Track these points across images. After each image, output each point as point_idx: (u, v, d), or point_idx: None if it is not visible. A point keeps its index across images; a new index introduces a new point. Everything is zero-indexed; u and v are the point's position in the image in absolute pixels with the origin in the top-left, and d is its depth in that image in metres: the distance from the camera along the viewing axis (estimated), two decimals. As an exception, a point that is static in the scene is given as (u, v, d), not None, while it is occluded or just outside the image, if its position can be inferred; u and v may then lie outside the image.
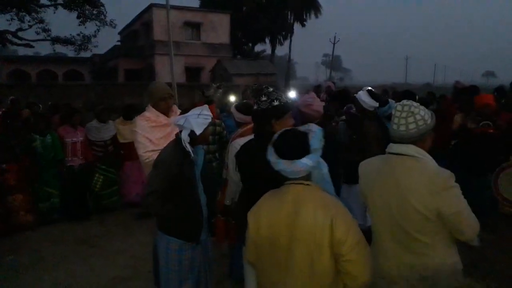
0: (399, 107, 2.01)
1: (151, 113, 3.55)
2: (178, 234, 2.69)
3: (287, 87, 23.06)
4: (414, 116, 1.96)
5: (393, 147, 2.06)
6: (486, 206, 4.45)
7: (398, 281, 2.02)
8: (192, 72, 28.62)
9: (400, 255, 2.00)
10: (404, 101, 2.02)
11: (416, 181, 1.91)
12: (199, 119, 2.66)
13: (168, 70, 16.96)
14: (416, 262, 1.97)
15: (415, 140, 1.98)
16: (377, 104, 4.16)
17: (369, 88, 4.31)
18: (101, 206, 6.21)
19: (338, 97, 5.83)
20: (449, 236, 1.97)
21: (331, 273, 1.74)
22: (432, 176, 1.90)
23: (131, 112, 6.22)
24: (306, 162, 1.75)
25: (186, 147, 2.62)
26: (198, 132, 2.65)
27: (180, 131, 2.69)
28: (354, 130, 4.30)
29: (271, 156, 1.82)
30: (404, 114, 1.97)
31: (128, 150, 5.81)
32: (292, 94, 9.52)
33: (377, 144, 3.78)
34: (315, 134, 1.81)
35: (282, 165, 1.78)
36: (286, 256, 1.77)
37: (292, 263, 1.76)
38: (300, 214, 1.74)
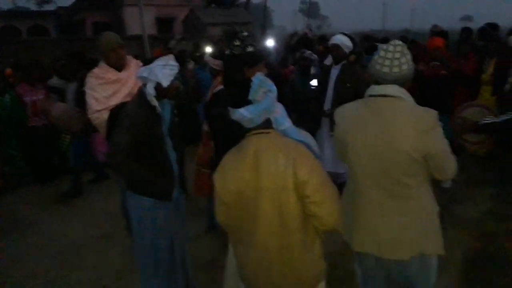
0: (391, 48, 1.91)
1: (100, 69, 3.30)
2: (150, 193, 2.60)
3: (264, 36, 22.50)
4: (405, 57, 1.90)
5: (377, 89, 1.96)
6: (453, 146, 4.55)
7: (381, 230, 2.00)
8: (164, 23, 27.44)
9: (384, 201, 1.97)
10: (396, 41, 1.95)
11: (404, 121, 1.85)
12: (165, 69, 2.45)
13: (139, 22, 16.22)
14: (401, 207, 1.96)
15: (404, 81, 1.93)
16: (351, 46, 4.06)
17: (341, 32, 4.18)
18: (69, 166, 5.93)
19: (302, 43, 5.93)
20: (428, 178, 1.98)
21: (300, 217, 1.74)
22: (421, 115, 1.87)
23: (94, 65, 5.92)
24: (242, 112, 1.73)
25: (152, 101, 2.46)
26: (165, 84, 2.45)
27: (144, 85, 2.50)
28: (346, 77, 4.07)
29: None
30: (397, 55, 1.89)
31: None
32: (270, 42, 9.26)
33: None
34: (253, 84, 1.75)
35: (231, 113, 1.79)
36: (255, 208, 1.76)
37: (260, 212, 1.75)
38: (262, 162, 1.72)
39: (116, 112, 3.08)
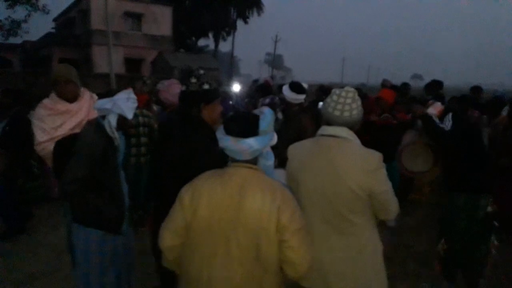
0: (343, 93, 2.07)
1: (49, 100, 3.23)
2: (99, 225, 2.55)
3: (230, 82, 23.07)
4: (356, 103, 2.06)
5: (327, 129, 2.09)
6: (397, 190, 4.82)
7: (327, 265, 2.04)
8: (133, 64, 27.66)
9: (330, 236, 2.03)
10: (348, 88, 2.11)
11: (350, 161, 1.98)
12: (128, 102, 2.53)
13: (107, 61, 16.30)
14: (345, 243, 2.03)
15: (353, 124, 2.07)
16: (301, 97, 4.30)
17: (293, 81, 4.47)
18: (24, 200, 5.64)
19: (262, 90, 6.49)
20: (373, 217, 2.08)
21: (276, 260, 1.71)
22: (366, 156, 1.99)
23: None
24: (251, 142, 1.71)
25: (114, 133, 2.51)
26: (130, 116, 2.54)
27: (102, 116, 2.54)
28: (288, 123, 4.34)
29: (219, 132, 1.78)
30: (348, 100, 2.04)
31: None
32: (236, 87, 9.55)
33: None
34: (265, 116, 1.80)
35: (228, 142, 1.73)
36: (226, 242, 1.69)
37: (233, 248, 1.69)
38: (247, 198, 1.69)
39: (65, 143, 3.04)
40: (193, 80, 2.46)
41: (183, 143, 2.42)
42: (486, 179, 3.10)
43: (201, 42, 39.57)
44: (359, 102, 2.09)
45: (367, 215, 2.05)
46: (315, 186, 2.05)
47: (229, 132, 1.75)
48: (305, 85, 8.20)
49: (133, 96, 2.60)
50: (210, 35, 37.37)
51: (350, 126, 2.07)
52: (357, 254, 2.04)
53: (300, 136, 4.01)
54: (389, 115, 5.18)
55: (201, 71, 2.53)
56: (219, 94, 2.64)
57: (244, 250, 1.68)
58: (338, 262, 2.04)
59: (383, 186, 1.99)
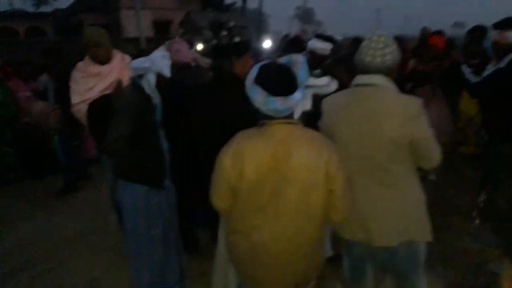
0: (375, 38, 1.97)
1: (83, 63, 3.35)
2: (144, 180, 2.65)
3: (259, 40, 22.57)
4: (389, 48, 1.95)
5: (362, 78, 2.00)
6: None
7: (369, 217, 2.01)
8: (161, 26, 27.55)
9: (370, 188, 1.99)
10: (379, 32, 2.00)
11: (389, 109, 1.90)
12: (165, 60, 2.55)
13: (135, 25, 16.28)
14: (386, 194, 1.98)
15: (388, 71, 1.97)
16: (329, 46, 3.97)
17: (316, 35, 4.16)
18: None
19: (293, 44, 5.99)
20: (414, 167, 2.02)
21: (323, 212, 1.76)
22: (406, 103, 1.92)
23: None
24: (297, 96, 1.69)
25: (152, 91, 2.55)
26: (168, 73, 2.55)
27: (138, 76, 2.56)
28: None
29: (258, 95, 1.68)
30: (380, 45, 1.94)
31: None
32: (267, 43, 9.31)
33: None
34: (301, 65, 1.75)
35: (276, 104, 1.66)
36: (276, 198, 1.71)
37: (282, 205, 1.71)
38: (292, 155, 1.68)
39: (97, 104, 3.18)
40: (224, 33, 2.40)
41: (216, 102, 2.38)
42: None
43: (229, 0, 38.64)
44: (394, 47, 1.97)
45: (408, 164, 1.98)
46: (353, 138, 1.98)
47: (274, 92, 1.65)
48: (339, 38, 7.91)
49: (167, 54, 2.61)
50: (237, -9, 36.40)
51: (385, 72, 1.97)
52: (400, 204, 1.98)
53: (336, 90, 3.89)
54: (438, 63, 4.88)
55: (231, 23, 2.45)
56: (250, 46, 2.57)
57: (293, 205, 1.71)
58: (380, 214, 1.99)
59: (424, 133, 1.91)
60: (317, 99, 2.82)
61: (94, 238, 4.03)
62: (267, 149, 1.70)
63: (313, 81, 2.87)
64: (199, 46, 6.31)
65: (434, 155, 1.97)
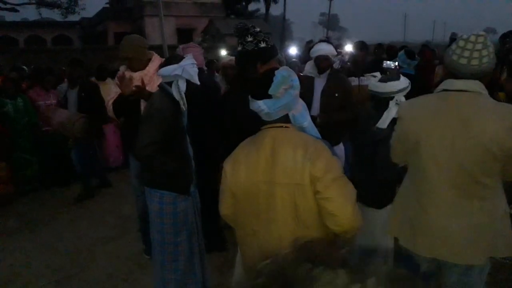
0: (472, 38, 1.77)
1: (123, 66, 3.47)
2: (171, 187, 2.66)
3: (282, 47, 22.59)
4: (487, 49, 1.76)
5: (455, 83, 1.83)
6: None
7: (455, 233, 1.86)
8: (184, 34, 27.86)
9: (459, 201, 1.84)
10: (479, 32, 1.80)
11: (487, 117, 1.73)
12: (194, 68, 2.61)
13: (159, 32, 16.49)
14: (476, 207, 1.83)
15: (483, 76, 1.80)
16: (335, 52, 3.84)
17: (322, 39, 4.10)
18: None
19: None
20: (501, 179, 1.87)
21: (315, 216, 1.66)
22: (504, 112, 1.75)
23: (103, 72, 6.06)
24: (260, 104, 1.67)
25: (183, 98, 2.58)
26: (197, 80, 2.59)
27: (168, 82, 2.60)
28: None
29: (250, 99, 1.75)
30: (479, 46, 1.75)
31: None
32: (293, 50, 9.28)
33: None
34: (274, 78, 1.67)
35: (256, 106, 1.70)
36: (267, 203, 1.68)
37: (274, 209, 1.67)
38: (279, 157, 1.65)
39: (116, 104, 3.28)
40: (249, 38, 2.33)
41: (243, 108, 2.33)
42: None
43: (252, 7, 38.88)
44: (491, 49, 1.77)
45: (498, 177, 1.82)
46: (443, 147, 1.81)
47: (253, 95, 1.73)
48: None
49: (195, 62, 2.66)
50: (260, -2, 36.55)
51: (479, 77, 1.79)
52: (489, 219, 1.83)
53: (346, 99, 3.63)
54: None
55: (257, 29, 2.38)
56: (276, 52, 2.50)
57: (284, 209, 1.66)
58: (467, 229, 1.83)
59: None
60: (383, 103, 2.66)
61: (114, 246, 4.00)
62: (259, 154, 1.70)
63: (397, 84, 2.67)
64: (223, 53, 6.29)
65: None
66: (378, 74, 3.94)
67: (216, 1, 29.67)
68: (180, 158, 2.69)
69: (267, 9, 37.36)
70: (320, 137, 2.18)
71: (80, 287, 3.37)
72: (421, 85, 4.94)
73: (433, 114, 1.87)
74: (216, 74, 7.20)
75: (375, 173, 2.64)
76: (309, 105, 3.67)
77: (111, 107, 3.36)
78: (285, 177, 1.64)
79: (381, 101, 2.67)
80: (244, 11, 36.75)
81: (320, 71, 3.72)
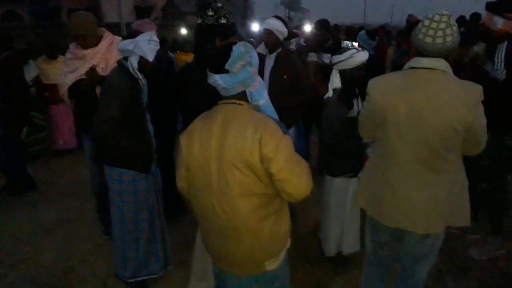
0: (436, 17, 1.84)
1: (73, 44, 3.28)
2: (131, 166, 2.63)
3: (244, 27, 22.34)
4: (451, 28, 1.83)
5: (422, 61, 1.90)
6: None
7: (417, 204, 1.97)
8: (142, 11, 26.95)
9: (422, 175, 1.94)
10: (443, 11, 1.87)
11: (452, 95, 1.83)
12: (150, 44, 2.51)
13: (116, 10, 15.88)
14: (438, 180, 1.94)
15: (447, 54, 1.88)
16: (284, 30, 3.46)
17: (275, 15, 3.72)
18: (28, 154, 5.60)
19: None
20: (461, 153, 1.99)
21: (263, 185, 1.69)
22: (468, 89, 1.85)
23: (54, 50, 5.67)
24: (216, 79, 1.68)
25: (137, 74, 2.51)
26: (151, 58, 2.51)
27: (125, 58, 2.53)
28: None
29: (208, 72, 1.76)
30: (442, 25, 1.82)
31: (53, 92, 5.37)
32: (255, 27, 9.23)
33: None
34: (232, 53, 1.67)
35: (213, 79, 1.71)
36: (218, 179, 1.70)
37: (226, 185, 1.69)
38: (229, 134, 1.66)
39: (74, 89, 3.15)
40: (210, 12, 2.30)
41: (201, 83, 2.33)
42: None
43: (213, -15, 38.08)
44: (455, 28, 1.85)
45: (459, 151, 1.94)
46: (410, 123, 1.89)
47: (210, 69, 1.73)
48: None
49: (155, 38, 2.57)
50: (222, -24, 35.89)
51: (444, 55, 1.88)
52: (448, 191, 1.95)
53: (297, 82, 3.36)
54: None
55: (219, 4, 2.35)
56: (236, 30, 2.50)
57: (233, 187, 1.67)
58: (428, 200, 1.95)
59: (482, 120, 1.86)
60: (347, 76, 2.79)
61: (71, 228, 3.94)
62: (212, 128, 1.71)
63: (336, 57, 2.82)
64: (183, 31, 6.18)
65: (484, 141, 1.94)
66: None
67: (176, -22, 28.82)
68: (140, 136, 2.66)
69: (229, -13, 36.74)
70: (277, 117, 2.24)
71: (36, 270, 3.31)
72: (378, 65, 5.11)
73: (400, 90, 1.94)
74: (170, 53, 7.07)
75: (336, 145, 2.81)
76: None
77: (67, 92, 3.22)
78: (234, 155, 1.65)
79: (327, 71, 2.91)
80: (205, -11, 35.94)
81: (269, 49, 3.47)
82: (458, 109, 1.80)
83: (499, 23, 2.88)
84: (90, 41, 3.19)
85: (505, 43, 2.87)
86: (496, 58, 2.89)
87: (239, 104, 1.74)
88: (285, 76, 3.35)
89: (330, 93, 2.82)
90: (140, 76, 2.54)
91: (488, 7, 2.95)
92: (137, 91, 2.58)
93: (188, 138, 1.79)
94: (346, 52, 2.80)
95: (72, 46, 3.29)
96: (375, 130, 2.08)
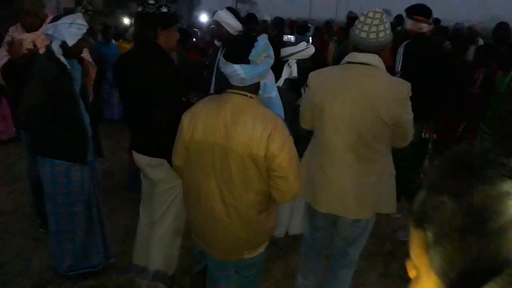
0: (370, 14, 1.97)
1: (14, 27, 3.17)
2: (64, 156, 2.54)
3: (191, 17, 22.00)
4: (384, 25, 1.97)
5: (358, 56, 2.03)
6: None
7: (348, 191, 2.09)
8: (84, -3, 25.70)
9: (353, 164, 2.07)
10: (376, 8, 2.01)
11: (383, 90, 1.97)
12: (71, 28, 2.40)
13: (53, -7, 14.99)
14: (367, 169, 2.08)
15: (381, 49, 2.01)
16: (241, 28, 3.42)
17: (227, 7, 3.64)
18: None
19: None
20: (390, 144, 2.14)
21: (261, 181, 1.77)
22: (397, 85, 2.01)
23: None
24: (236, 69, 1.68)
25: (60, 59, 2.39)
26: (70, 42, 2.40)
27: (51, 42, 2.43)
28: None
29: (221, 59, 1.75)
30: (376, 22, 1.95)
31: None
32: (203, 17, 9.14)
33: None
34: (257, 44, 1.70)
35: (221, 63, 1.73)
36: (221, 164, 1.76)
37: (227, 173, 1.75)
38: (238, 124, 1.70)
39: (5, 70, 2.99)
40: (151, 1, 2.28)
41: (138, 71, 2.30)
42: (425, 106, 3.10)
43: (158, -28, 36.94)
44: (388, 25, 2.01)
45: (388, 142, 2.10)
46: (343, 114, 2.02)
47: (226, 57, 1.72)
48: (268, 18, 7.95)
49: (79, 21, 2.45)
50: (167, -36, 34.94)
51: (377, 50, 2.02)
52: (377, 179, 2.10)
53: None
54: None
55: None
56: (177, 19, 2.50)
57: (235, 174, 1.74)
58: (358, 188, 2.08)
59: (409, 114, 2.03)
60: (301, 66, 2.92)
61: (5, 222, 3.73)
62: (218, 115, 1.74)
63: (292, 48, 2.95)
64: (126, 20, 5.99)
65: (411, 135, 2.11)
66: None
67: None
68: (70, 125, 2.55)
69: (175, -24, 35.90)
70: (283, 113, 2.30)
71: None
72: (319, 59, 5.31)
73: (337, 83, 2.07)
74: (113, 41, 6.85)
75: None
76: (210, 78, 3.53)
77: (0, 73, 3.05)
78: (241, 145, 1.70)
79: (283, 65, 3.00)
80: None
81: (220, 41, 3.46)
82: (388, 102, 1.96)
83: (408, 24, 3.29)
84: (31, 20, 3.06)
85: (407, 41, 3.27)
86: (397, 54, 3.29)
87: (250, 97, 1.77)
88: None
89: (280, 82, 2.93)
90: (65, 61, 2.42)
91: (405, 10, 3.38)
92: (64, 78, 2.46)
93: (191, 119, 1.82)
94: (301, 44, 2.96)
95: (12, 29, 3.16)
96: (313, 120, 2.21)
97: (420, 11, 3.25)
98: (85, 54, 3.11)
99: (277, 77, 2.88)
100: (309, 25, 4.95)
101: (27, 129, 2.47)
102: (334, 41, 7.24)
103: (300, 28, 5.64)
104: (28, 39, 3.01)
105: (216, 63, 3.35)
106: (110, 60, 6.07)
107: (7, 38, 3.11)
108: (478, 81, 4.00)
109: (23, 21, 3.08)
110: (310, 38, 5.34)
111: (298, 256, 2.88)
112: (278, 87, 2.90)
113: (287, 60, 2.97)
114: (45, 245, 3.21)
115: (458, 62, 4.24)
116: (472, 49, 5.01)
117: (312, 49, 3.00)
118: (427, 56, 3.18)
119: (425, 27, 3.24)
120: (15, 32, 3.10)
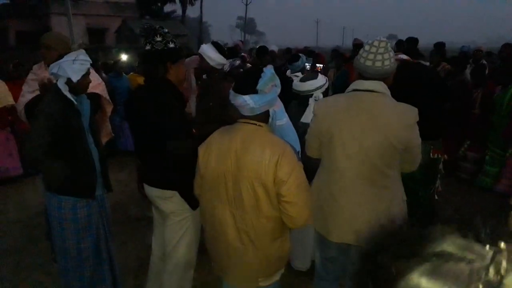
0: (375, 43, 2.03)
1: (38, 65, 3.26)
2: (71, 192, 2.53)
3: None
4: (389, 53, 2.02)
5: (364, 84, 2.07)
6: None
7: (360, 218, 2.07)
8: (96, 34, 26.50)
9: (364, 190, 2.07)
10: (381, 37, 2.07)
11: (391, 116, 2.00)
12: (74, 65, 2.46)
13: (68, 32, 15.53)
14: (378, 195, 2.07)
15: (386, 76, 2.06)
16: (225, 61, 3.43)
17: (213, 41, 3.65)
18: None
19: (229, 53, 6.04)
20: (399, 169, 2.15)
21: (272, 207, 1.82)
22: (405, 111, 2.03)
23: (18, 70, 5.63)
24: (246, 99, 1.77)
25: (68, 95, 2.45)
26: (75, 79, 2.46)
27: (57, 80, 2.49)
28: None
29: (231, 92, 1.84)
30: (381, 50, 2.02)
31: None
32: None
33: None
34: (263, 74, 1.79)
35: (231, 96, 1.82)
36: (233, 192, 1.83)
37: (240, 200, 1.82)
38: (248, 152, 1.78)
39: (30, 106, 3.03)
40: (158, 38, 2.38)
41: (150, 105, 2.38)
42: (429, 126, 3.05)
43: (168, 8, 38.18)
44: (392, 54, 2.06)
45: (398, 167, 2.11)
46: (353, 141, 2.03)
47: (233, 87, 1.83)
48: (274, 48, 8.10)
49: (82, 57, 2.51)
50: None
51: (382, 77, 2.06)
52: (388, 204, 2.09)
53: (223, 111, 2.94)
54: None
55: (165, 29, 2.45)
56: (184, 53, 2.58)
57: (247, 201, 1.81)
58: (371, 214, 2.06)
59: (418, 140, 2.05)
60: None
61: (20, 257, 3.76)
62: (231, 144, 1.83)
63: (313, 83, 2.98)
64: (123, 56, 6.19)
65: (418, 160, 2.13)
66: (299, 74, 4.18)
67: (130, 1, 28.68)
68: (78, 160, 2.55)
69: (184, 11, 37.00)
70: (297, 137, 2.33)
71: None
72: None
73: (344, 111, 2.10)
74: (124, 75, 7.06)
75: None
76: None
77: (23, 111, 3.10)
78: (251, 172, 1.77)
79: (303, 99, 3.01)
80: (160, 12, 36.00)
81: (202, 73, 3.54)
82: (397, 128, 1.98)
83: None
84: (53, 56, 2.98)
85: None
86: None
87: (259, 125, 1.85)
88: (211, 104, 3.26)
89: (308, 119, 2.74)
90: (72, 97, 2.46)
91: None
92: (71, 114, 2.48)
93: (206, 150, 1.94)
94: (320, 78, 3.01)
95: (35, 67, 3.25)
96: (320, 148, 2.22)
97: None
98: (101, 90, 3.20)
99: (286, 105, 2.91)
100: (300, 54, 4.97)
101: (34, 165, 2.51)
102: (333, 68, 7.36)
103: (291, 59, 5.70)
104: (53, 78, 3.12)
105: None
106: (122, 93, 6.24)
107: (31, 76, 3.20)
108: (477, 103, 4.03)
109: (45, 56, 3.12)
110: (307, 65, 5.43)
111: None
112: (305, 123, 2.84)
113: (311, 94, 2.96)
114: (58, 280, 3.21)
115: (456, 81, 4.31)
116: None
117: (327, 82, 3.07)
118: (412, 81, 3.24)
119: (404, 56, 3.36)
120: (39, 70, 3.18)
